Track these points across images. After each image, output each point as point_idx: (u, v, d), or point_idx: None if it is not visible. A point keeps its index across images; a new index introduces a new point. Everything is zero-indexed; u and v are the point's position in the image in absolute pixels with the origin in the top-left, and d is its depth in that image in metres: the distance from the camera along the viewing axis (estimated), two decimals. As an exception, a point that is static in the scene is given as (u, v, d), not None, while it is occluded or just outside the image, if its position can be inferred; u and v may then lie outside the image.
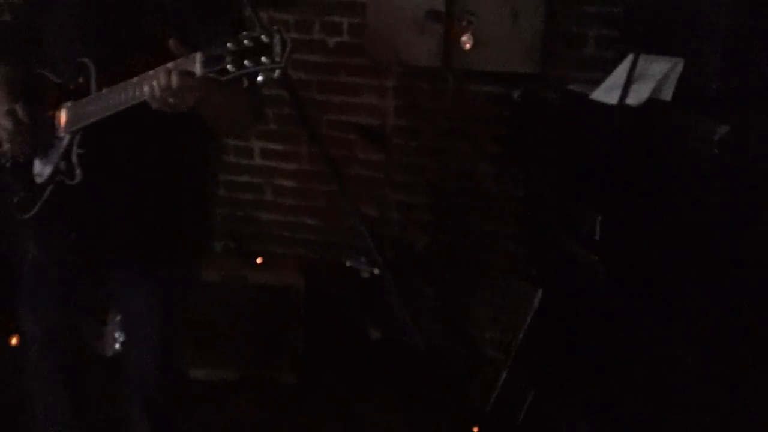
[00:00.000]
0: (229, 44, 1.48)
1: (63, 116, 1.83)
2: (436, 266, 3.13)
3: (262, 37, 1.46)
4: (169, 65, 1.55)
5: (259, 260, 3.21)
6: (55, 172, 1.84)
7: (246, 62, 1.46)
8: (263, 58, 1.45)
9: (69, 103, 1.82)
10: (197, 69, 1.51)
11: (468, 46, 2.50)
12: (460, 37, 2.51)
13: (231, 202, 3.36)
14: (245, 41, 1.47)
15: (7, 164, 1.95)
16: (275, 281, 3.02)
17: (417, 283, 3.08)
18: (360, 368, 3.04)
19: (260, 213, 3.41)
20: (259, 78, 1.48)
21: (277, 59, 1.45)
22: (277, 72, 1.47)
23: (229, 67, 1.48)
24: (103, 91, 1.72)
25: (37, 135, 1.85)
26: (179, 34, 1.61)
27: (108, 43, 1.78)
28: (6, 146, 1.85)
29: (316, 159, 3.26)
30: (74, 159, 1.79)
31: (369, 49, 2.77)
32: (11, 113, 1.80)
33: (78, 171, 1.78)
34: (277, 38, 1.45)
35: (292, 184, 3.35)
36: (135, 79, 1.63)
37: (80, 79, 1.80)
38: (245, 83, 1.51)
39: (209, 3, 1.78)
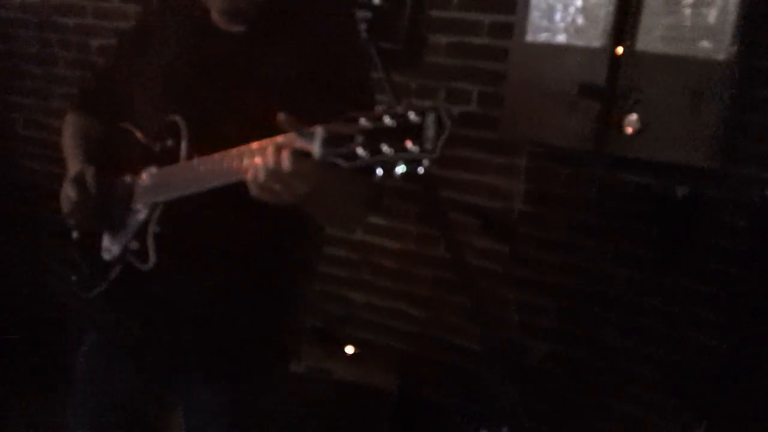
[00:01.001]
0: (361, 121, 1.09)
1: (143, 184, 1.49)
2: (552, 383, 2.64)
3: (410, 114, 1.06)
4: (280, 139, 1.18)
5: (348, 350, 2.80)
6: (126, 250, 1.49)
7: (384, 147, 1.07)
8: (409, 144, 1.05)
9: (153, 169, 1.48)
10: (316, 150, 1.12)
11: (631, 130, 2.04)
12: (622, 119, 2.05)
13: (322, 277, 2.97)
14: (385, 118, 1.07)
15: (74, 235, 1.62)
16: (364, 379, 2.59)
17: (529, 400, 2.59)
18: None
19: (354, 293, 3.01)
20: (399, 170, 1.08)
21: (429, 147, 1.05)
22: (426, 164, 1.07)
23: (359, 151, 1.08)
24: (195, 160, 1.37)
25: (108, 205, 1.52)
26: (291, 104, 1.25)
27: (206, 102, 1.45)
28: (71, 217, 1.52)
29: (424, 240, 2.86)
30: (149, 239, 1.44)
31: (504, 123, 2.35)
32: (79, 181, 1.48)
33: (152, 254, 1.43)
34: (431, 117, 1.05)
35: (394, 265, 2.94)
36: (234, 152, 1.27)
37: (168, 142, 1.46)
38: (378, 173, 1.11)
39: (335, 65, 1.43)
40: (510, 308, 2.60)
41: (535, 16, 2.14)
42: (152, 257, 1.43)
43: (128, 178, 1.53)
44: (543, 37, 2.16)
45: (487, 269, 2.69)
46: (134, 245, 1.47)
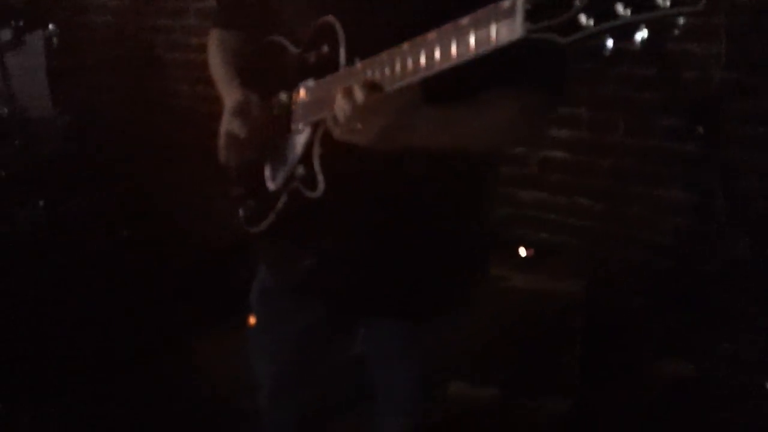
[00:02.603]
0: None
1: (302, 101, 1.30)
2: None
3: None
4: (465, 21, 0.93)
5: (523, 251, 2.59)
6: (291, 177, 1.33)
7: (618, 7, 0.78)
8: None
9: (310, 82, 1.28)
10: (518, 26, 0.86)
11: None
12: None
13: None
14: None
15: (233, 167, 1.48)
16: (547, 286, 2.38)
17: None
18: (651, 412, 2.30)
19: (522, 191, 2.76)
20: (639, 36, 0.80)
21: None
22: (681, 20, 0.78)
23: (581, 18, 0.81)
24: (357, 65, 1.15)
25: (271, 130, 1.35)
26: None
27: None
28: (233, 151, 1.36)
29: (597, 124, 2.53)
30: (316, 162, 1.25)
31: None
32: (242, 112, 1.32)
33: (320, 179, 1.25)
34: None
35: (566, 156, 2.65)
36: (405, 47, 1.04)
37: (324, 48, 1.24)
38: (607, 46, 0.82)
39: None
40: (714, 194, 2.24)
41: None
42: (321, 183, 1.25)
43: (284, 96, 1.34)
44: None
45: (679, 151, 2.33)
46: (300, 171, 1.29)
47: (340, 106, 1.08)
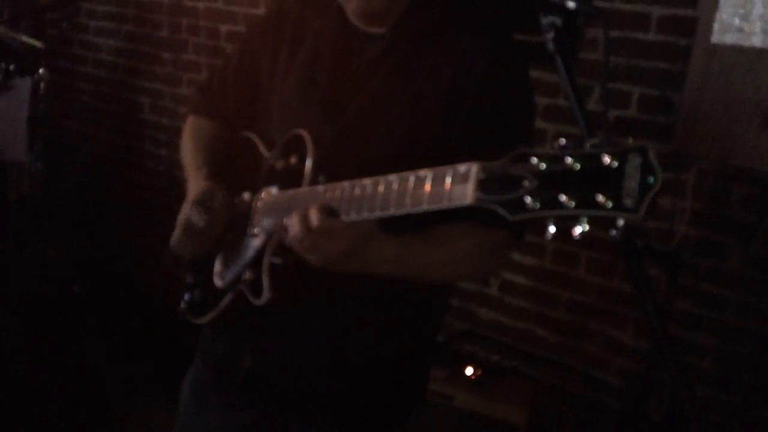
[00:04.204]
0: (533, 160, 0.84)
1: (262, 205, 1.31)
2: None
3: (604, 157, 0.80)
4: (423, 173, 0.96)
5: (469, 371, 2.55)
6: (238, 279, 1.31)
7: (562, 198, 0.81)
8: (600, 197, 0.79)
9: (274, 189, 1.28)
10: (469, 193, 0.89)
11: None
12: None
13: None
14: (567, 159, 0.82)
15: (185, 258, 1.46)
16: (488, 410, 2.34)
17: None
18: None
19: (481, 309, 2.76)
20: (579, 229, 0.82)
21: (629, 204, 0.78)
22: (620, 225, 0.80)
23: (527, 200, 0.83)
24: (320, 187, 1.16)
25: (229, 228, 1.34)
26: (438, 128, 1.12)
27: (341, 114, 1.25)
28: (186, 239, 1.34)
29: (560, 258, 2.56)
30: (265, 270, 1.24)
31: (678, 133, 2.00)
32: (204, 203, 1.30)
33: (266, 288, 1.23)
34: (634, 163, 0.78)
35: (525, 282, 2.66)
36: (368, 182, 1.05)
37: (292, 159, 1.25)
38: (550, 231, 0.84)
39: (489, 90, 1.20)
40: (665, 344, 2.25)
41: (726, 13, 1.78)
42: (266, 292, 1.23)
43: (247, 197, 1.34)
44: (732, 38, 1.80)
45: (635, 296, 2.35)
46: (248, 275, 1.28)
47: (294, 225, 1.08)
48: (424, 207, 0.94)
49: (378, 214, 1.02)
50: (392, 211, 0.99)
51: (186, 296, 1.46)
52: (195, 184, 1.39)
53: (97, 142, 3.80)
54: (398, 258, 1.16)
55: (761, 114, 1.74)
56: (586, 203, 0.79)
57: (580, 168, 0.80)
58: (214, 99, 1.53)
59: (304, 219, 1.07)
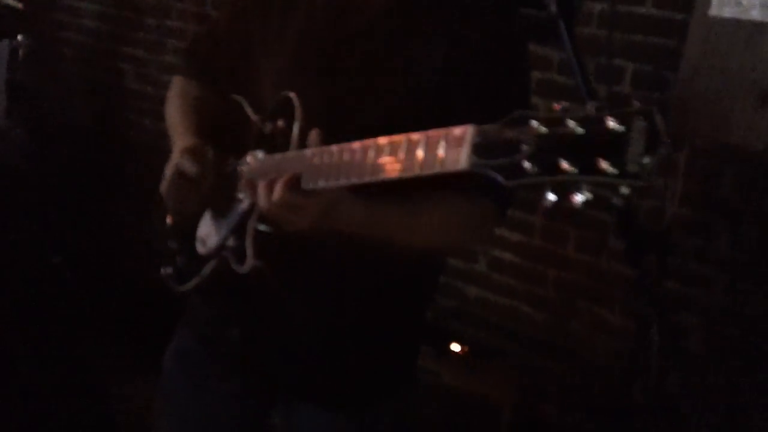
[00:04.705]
0: (533, 123, 0.79)
1: (248, 169, 1.26)
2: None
3: (609, 120, 0.75)
4: (416, 137, 0.91)
5: (455, 347, 2.53)
6: (222, 245, 1.27)
7: (563, 164, 0.77)
8: (603, 163, 0.75)
9: (260, 154, 1.24)
10: (463, 158, 0.85)
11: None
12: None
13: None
14: (569, 122, 0.77)
15: (167, 220, 1.42)
16: (474, 388, 2.33)
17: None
18: None
19: (468, 286, 2.73)
20: (580, 197, 0.78)
21: (633, 169, 0.74)
22: (625, 192, 0.76)
23: (525, 164, 0.79)
24: (307, 151, 1.11)
25: (217, 188, 1.29)
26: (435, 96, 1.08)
27: (333, 78, 1.22)
28: (175, 190, 1.29)
29: (550, 234, 2.54)
30: (248, 237, 1.20)
31: (673, 111, 1.96)
32: (196, 153, 1.25)
33: (249, 255, 1.19)
34: (639, 126, 0.74)
35: (513, 258, 2.64)
36: (357, 146, 1.01)
37: (279, 122, 1.21)
38: (549, 198, 0.80)
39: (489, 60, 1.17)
40: (650, 325, 2.24)
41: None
42: (249, 259, 1.19)
43: (232, 159, 1.30)
44: (731, 11, 1.77)
45: (622, 274, 2.33)
46: (232, 241, 1.24)
47: (260, 196, 1.05)
48: (416, 172, 0.90)
49: (368, 179, 0.97)
50: (383, 177, 0.95)
51: (168, 262, 1.42)
52: (183, 139, 1.33)
53: (79, 110, 3.72)
54: (376, 225, 1.13)
55: (758, 91, 1.71)
56: (588, 169, 0.75)
57: (583, 132, 0.76)
58: (203, 61, 1.47)
59: (268, 191, 1.04)
